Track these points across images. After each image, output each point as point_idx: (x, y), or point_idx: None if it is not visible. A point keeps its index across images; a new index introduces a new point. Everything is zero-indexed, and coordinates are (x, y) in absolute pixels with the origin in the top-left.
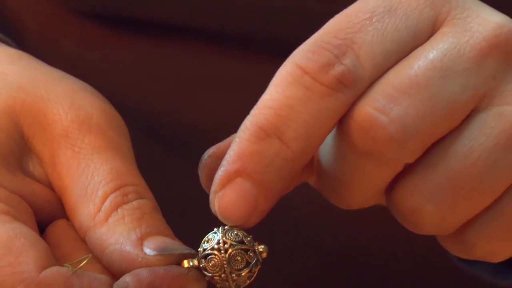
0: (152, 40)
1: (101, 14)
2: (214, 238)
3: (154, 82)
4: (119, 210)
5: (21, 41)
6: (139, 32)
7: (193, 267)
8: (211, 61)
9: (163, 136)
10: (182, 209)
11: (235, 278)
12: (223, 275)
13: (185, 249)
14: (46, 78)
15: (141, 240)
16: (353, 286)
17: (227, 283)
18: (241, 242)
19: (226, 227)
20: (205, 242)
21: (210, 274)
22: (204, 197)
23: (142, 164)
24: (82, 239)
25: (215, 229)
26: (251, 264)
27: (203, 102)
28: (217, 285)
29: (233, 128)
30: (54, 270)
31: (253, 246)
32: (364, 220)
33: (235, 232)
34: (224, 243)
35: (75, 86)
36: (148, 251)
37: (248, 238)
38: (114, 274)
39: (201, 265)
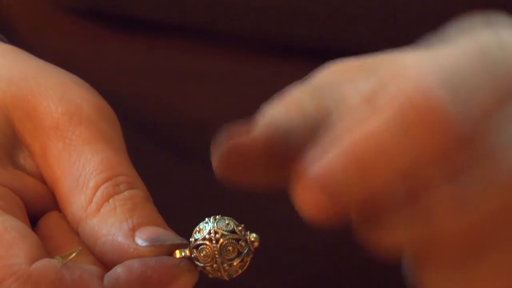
0: (144, 37)
1: (93, 12)
2: (205, 228)
3: (145, 79)
4: (110, 200)
5: (13, 38)
6: (131, 30)
7: (184, 257)
8: (203, 59)
9: (155, 132)
10: (175, 204)
11: (226, 268)
12: (214, 265)
13: (177, 239)
14: (36, 72)
15: (132, 230)
16: (346, 287)
17: (219, 273)
18: (233, 231)
19: (217, 216)
20: (197, 232)
21: (202, 264)
22: (195, 191)
23: (133, 159)
24: (74, 231)
25: (206, 219)
26: (243, 254)
27: (195, 99)
28: (209, 275)
29: (224, 124)
30: (44, 262)
31: (244, 235)
32: None
33: (226, 222)
34: (215, 233)
35: (66, 78)
36: (140, 241)
37: (240, 228)
38: (107, 264)
39: (192, 255)
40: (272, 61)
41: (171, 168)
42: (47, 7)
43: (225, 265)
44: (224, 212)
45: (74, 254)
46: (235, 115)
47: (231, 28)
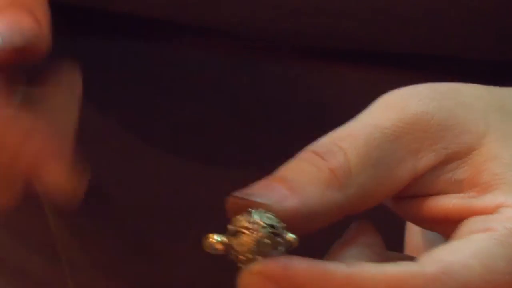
0: (127, 35)
1: (74, 7)
2: (246, 217)
3: (136, 78)
4: None
5: None
6: (117, 27)
7: (220, 242)
8: (193, 60)
9: (146, 130)
10: (167, 203)
11: (259, 260)
12: (248, 255)
13: None
14: None
15: None
16: None
17: (249, 264)
18: (272, 226)
19: (260, 209)
20: (237, 220)
21: (235, 253)
22: (187, 191)
23: (125, 157)
24: None
25: (249, 209)
26: (278, 250)
27: (185, 100)
28: (239, 263)
29: (214, 125)
30: None
31: (283, 232)
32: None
33: (268, 215)
34: (256, 223)
35: None
36: None
37: (280, 224)
38: None
39: (228, 242)
40: (266, 61)
41: (163, 165)
42: None
43: (259, 257)
44: (218, 215)
45: None
46: (224, 117)
47: (222, 24)
